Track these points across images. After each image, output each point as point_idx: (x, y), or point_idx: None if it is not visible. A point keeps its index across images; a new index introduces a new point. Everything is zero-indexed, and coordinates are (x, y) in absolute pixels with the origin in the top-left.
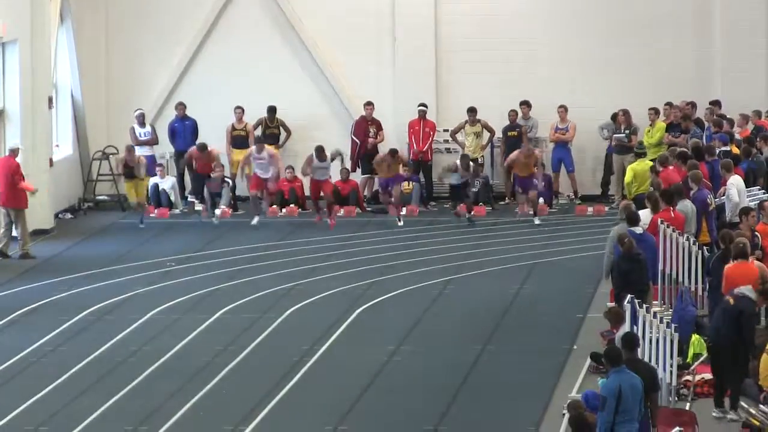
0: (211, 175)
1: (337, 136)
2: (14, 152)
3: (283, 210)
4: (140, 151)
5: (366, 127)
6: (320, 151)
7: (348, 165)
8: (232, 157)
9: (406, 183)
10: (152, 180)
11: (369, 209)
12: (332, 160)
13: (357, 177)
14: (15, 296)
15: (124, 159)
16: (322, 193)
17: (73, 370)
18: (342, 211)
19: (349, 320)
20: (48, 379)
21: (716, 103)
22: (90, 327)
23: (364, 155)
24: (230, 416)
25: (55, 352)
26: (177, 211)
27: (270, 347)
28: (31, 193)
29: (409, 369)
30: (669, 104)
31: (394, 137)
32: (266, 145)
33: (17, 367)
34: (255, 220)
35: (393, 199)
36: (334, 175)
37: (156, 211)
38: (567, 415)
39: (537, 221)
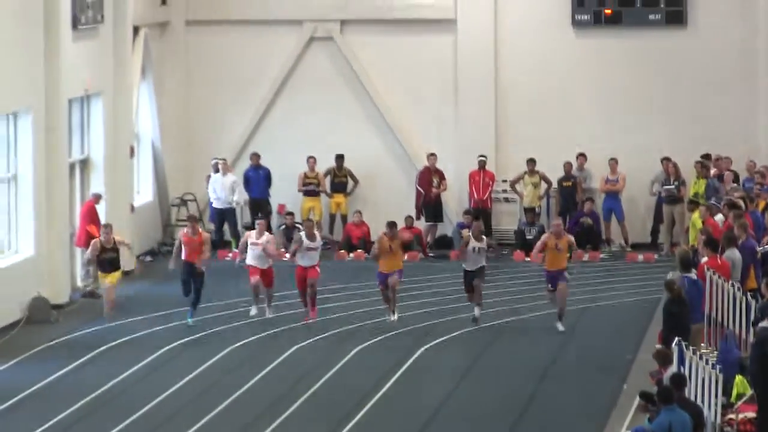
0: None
1: (401, 185)
2: (96, 198)
3: (351, 255)
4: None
5: (429, 177)
6: (309, 228)
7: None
8: (303, 205)
9: (466, 230)
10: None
11: (431, 255)
12: (324, 244)
13: (421, 225)
14: (98, 333)
15: (98, 243)
16: (308, 282)
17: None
18: (406, 256)
19: (413, 358)
20: (127, 413)
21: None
22: (166, 363)
23: (427, 204)
24: None
25: (142, 382)
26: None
27: (337, 384)
28: (128, 247)
29: (468, 404)
30: (706, 156)
31: (456, 187)
32: (267, 232)
33: (99, 401)
34: (253, 310)
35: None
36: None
37: (230, 254)
38: None
39: (561, 327)
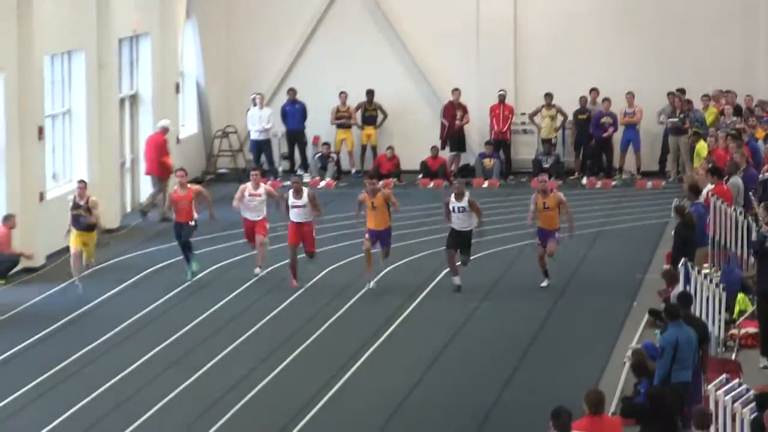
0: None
1: (427, 119)
2: (164, 130)
3: (381, 182)
4: (260, 134)
5: (453, 111)
6: (296, 184)
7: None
8: (336, 136)
9: (488, 159)
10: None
11: (455, 182)
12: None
13: (445, 154)
14: (150, 255)
15: (73, 198)
16: (303, 245)
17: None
18: (432, 184)
19: (437, 279)
20: (166, 335)
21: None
22: (215, 280)
23: (451, 136)
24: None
25: (181, 305)
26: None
27: (369, 300)
28: (173, 170)
29: (487, 322)
30: (681, 90)
31: (478, 120)
32: (262, 182)
33: (142, 321)
34: (257, 270)
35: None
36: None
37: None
38: (628, 363)
39: (544, 283)
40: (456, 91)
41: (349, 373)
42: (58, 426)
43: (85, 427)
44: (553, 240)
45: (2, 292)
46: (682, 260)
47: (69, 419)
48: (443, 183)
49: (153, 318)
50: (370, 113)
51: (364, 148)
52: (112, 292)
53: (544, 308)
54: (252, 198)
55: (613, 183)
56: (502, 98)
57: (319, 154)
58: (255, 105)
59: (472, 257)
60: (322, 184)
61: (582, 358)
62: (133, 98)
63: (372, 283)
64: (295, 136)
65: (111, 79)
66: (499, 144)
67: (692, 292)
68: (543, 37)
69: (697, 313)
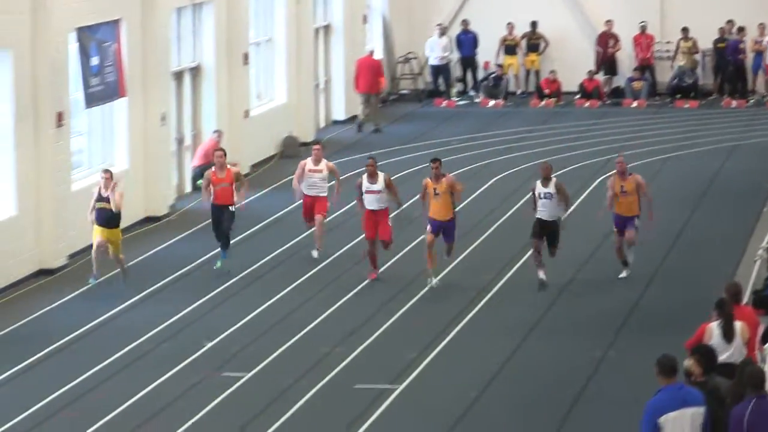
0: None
1: (583, 46)
2: (372, 52)
3: (543, 102)
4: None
5: (606, 39)
6: (371, 167)
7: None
8: (504, 62)
9: (636, 82)
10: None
11: (608, 102)
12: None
13: (599, 77)
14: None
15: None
16: (381, 239)
17: None
18: (588, 104)
19: (593, 186)
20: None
21: None
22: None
23: (605, 62)
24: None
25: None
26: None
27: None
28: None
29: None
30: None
31: (628, 47)
32: (325, 160)
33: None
34: (314, 253)
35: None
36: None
37: (443, 103)
38: (759, 261)
39: (624, 274)
40: (609, 21)
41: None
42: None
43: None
44: (632, 227)
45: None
46: None
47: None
48: (597, 103)
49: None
50: (534, 42)
51: (528, 72)
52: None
53: (684, 213)
54: (312, 174)
55: (748, 103)
56: (643, 28)
57: (494, 74)
58: (436, 34)
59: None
60: (491, 104)
61: (717, 256)
62: (326, 28)
63: (434, 281)
64: (468, 61)
65: (307, 10)
66: (644, 69)
67: None
68: None
69: None
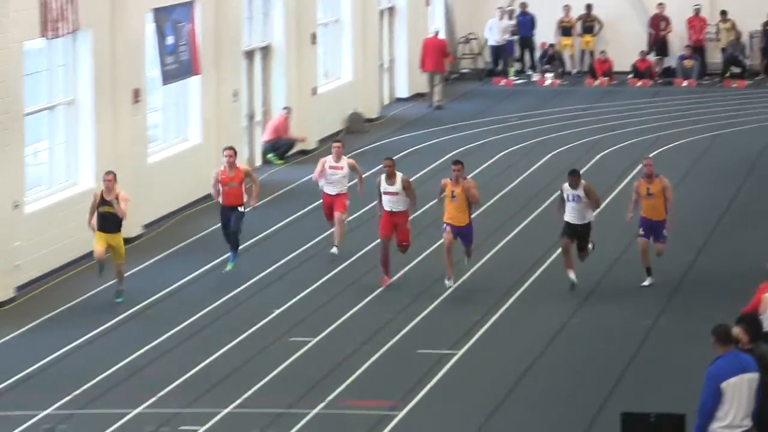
0: None
1: (636, 28)
2: (437, 33)
3: (596, 81)
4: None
5: (658, 21)
6: (390, 168)
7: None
8: (560, 42)
9: (687, 60)
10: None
11: (659, 81)
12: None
13: (651, 58)
14: (403, 141)
15: (99, 192)
16: (396, 237)
17: None
18: (640, 83)
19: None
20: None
21: None
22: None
23: (656, 43)
24: None
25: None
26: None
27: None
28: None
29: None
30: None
31: (679, 29)
32: (345, 157)
33: None
34: (334, 249)
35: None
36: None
37: (502, 82)
38: None
39: (647, 282)
40: (660, 5)
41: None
42: None
43: None
44: (662, 240)
45: (281, 171)
46: None
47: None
48: (649, 82)
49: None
50: (589, 23)
51: (582, 52)
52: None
53: (732, 187)
54: (333, 171)
55: None
56: (696, 11)
57: (550, 54)
58: (497, 16)
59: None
60: (547, 82)
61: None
62: (391, 10)
63: (450, 283)
64: (526, 42)
65: None
66: (695, 49)
67: None
68: None
69: None
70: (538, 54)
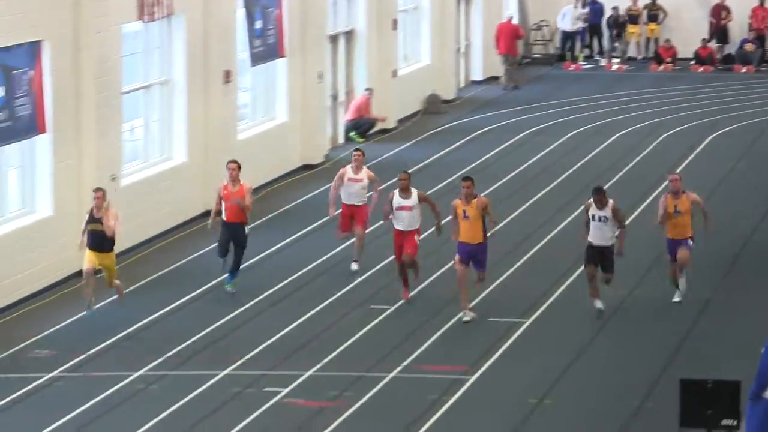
0: None
1: (698, 17)
2: (510, 18)
3: (660, 67)
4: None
5: (719, 11)
6: (404, 181)
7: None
8: (627, 30)
9: (749, 44)
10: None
11: (720, 67)
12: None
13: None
14: (475, 122)
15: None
16: (404, 253)
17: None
18: (701, 69)
19: (702, 145)
20: (496, 179)
21: None
22: (526, 143)
23: (718, 31)
24: None
25: (508, 156)
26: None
27: (646, 163)
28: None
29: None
30: None
31: (738, 18)
32: (366, 168)
33: (477, 169)
34: (354, 266)
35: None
36: None
37: (571, 66)
38: None
39: (677, 298)
40: None
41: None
42: None
43: None
44: (686, 247)
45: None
46: None
47: None
48: (710, 68)
49: (488, 165)
50: (654, 12)
51: (648, 40)
52: (449, 148)
53: None
54: (352, 183)
55: None
56: (762, 1)
57: (619, 40)
58: (572, 4)
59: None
60: (614, 67)
61: None
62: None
63: (467, 316)
64: (595, 29)
65: None
66: (757, 37)
67: None
68: None
69: None
70: (606, 40)
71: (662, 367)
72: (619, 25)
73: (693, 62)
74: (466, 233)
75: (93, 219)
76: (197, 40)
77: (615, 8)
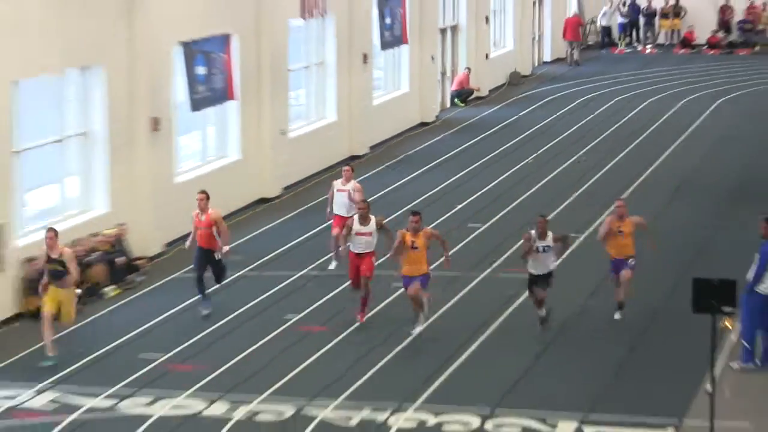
0: None
1: (710, 13)
2: (576, 14)
3: (682, 50)
4: (606, 22)
5: (725, 9)
6: (363, 210)
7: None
8: (661, 22)
9: (747, 24)
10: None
11: (725, 51)
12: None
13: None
14: (549, 90)
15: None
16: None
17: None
18: (711, 52)
19: (711, 108)
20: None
21: None
22: (583, 107)
23: (723, 24)
24: None
25: (562, 119)
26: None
27: (672, 121)
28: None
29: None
30: None
31: (739, 15)
32: (355, 182)
33: (537, 131)
34: (332, 264)
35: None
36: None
37: (616, 50)
38: None
39: (618, 316)
40: None
41: None
42: None
43: None
44: (627, 267)
45: (464, 111)
46: None
47: None
48: (718, 52)
49: (548, 127)
50: (677, 10)
51: (672, 31)
52: (525, 111)
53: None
54: (339, 194)
55: None
56: (751, 2)
57: (650, 29)
58: (607, 6)
59: None
60: (647, 51)
61: None
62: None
63: (416, 329)
64: (633, 23)
65: None
66: (746, 22)
67: None
68: None
69: None
70: (641, 33)
71: (679, 272)
72: (651, 17)
73: (705, 47)
74: (412, 264)
75: (50, 260)
76: (343, 33)
77: (648, 6)
